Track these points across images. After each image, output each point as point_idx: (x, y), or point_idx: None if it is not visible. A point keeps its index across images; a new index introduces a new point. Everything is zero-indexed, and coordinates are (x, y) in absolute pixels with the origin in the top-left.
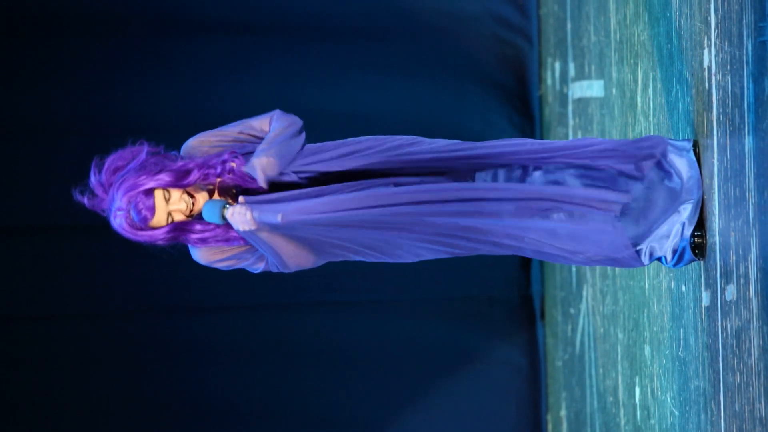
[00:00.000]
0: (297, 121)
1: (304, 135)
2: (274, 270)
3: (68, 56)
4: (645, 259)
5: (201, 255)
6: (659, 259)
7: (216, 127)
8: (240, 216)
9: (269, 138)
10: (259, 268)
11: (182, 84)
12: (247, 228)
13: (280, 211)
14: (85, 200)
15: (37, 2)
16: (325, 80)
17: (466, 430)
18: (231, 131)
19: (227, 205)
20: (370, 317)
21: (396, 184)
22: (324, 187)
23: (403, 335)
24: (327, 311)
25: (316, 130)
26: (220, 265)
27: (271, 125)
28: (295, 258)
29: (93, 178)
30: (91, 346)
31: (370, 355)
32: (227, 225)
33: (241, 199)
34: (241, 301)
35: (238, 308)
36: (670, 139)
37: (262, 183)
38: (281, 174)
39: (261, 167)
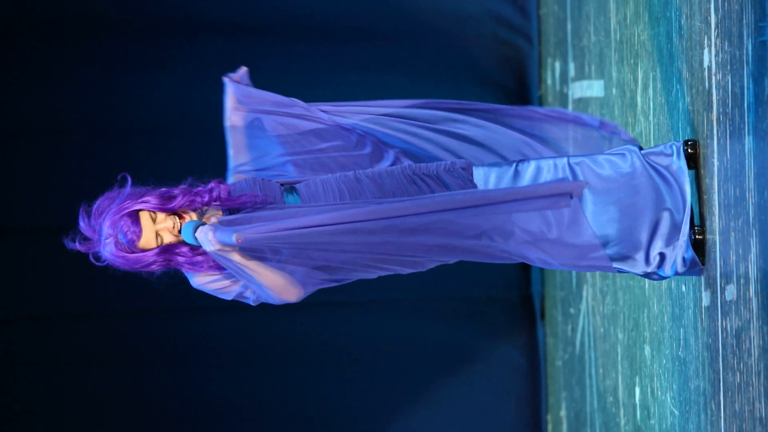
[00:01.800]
0: None
1: None
2: (267, 300)
3: (68, 56)
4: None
5: (195, 279)
6: (660, 266)
7: (215, 129)
8: (203, 236)
9: None
10: (249, 298)
11: (182, 84)
12: (210, 249)
13: (236, 231)
14: (77, 245)
15: (37, 2)
16: (325, 80)
17: (466, 430)
18: None
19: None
20: (370, 317)
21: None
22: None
23: (403, 335)
24: (327, 311)
25: None
26: (211, 288)
27: None
28: (277, 288)
29: (82, 224)
30: (91, 346)
31: (370, 355)
32: None
33: (213, 219)
34: (242, 302)
35: (238, 308)
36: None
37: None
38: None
39: None
